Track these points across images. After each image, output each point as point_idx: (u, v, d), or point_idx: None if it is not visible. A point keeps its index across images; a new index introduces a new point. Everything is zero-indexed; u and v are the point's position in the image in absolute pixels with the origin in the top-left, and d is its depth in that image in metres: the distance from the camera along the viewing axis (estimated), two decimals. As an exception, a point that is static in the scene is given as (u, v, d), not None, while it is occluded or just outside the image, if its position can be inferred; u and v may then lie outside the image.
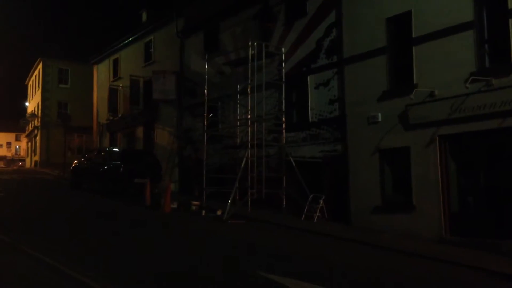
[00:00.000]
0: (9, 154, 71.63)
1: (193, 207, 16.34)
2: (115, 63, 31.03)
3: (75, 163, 23.34)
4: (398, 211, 12.97)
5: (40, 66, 45.64)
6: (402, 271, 9.37)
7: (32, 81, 51.27)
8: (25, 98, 57.16)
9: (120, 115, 29.53)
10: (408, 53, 12.97)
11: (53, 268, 7.58)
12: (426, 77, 12.46)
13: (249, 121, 16.78)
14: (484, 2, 11.66)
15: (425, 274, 9.26)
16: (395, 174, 13.49)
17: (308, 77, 16.21)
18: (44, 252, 8.52)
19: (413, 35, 12.87)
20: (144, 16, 30.96)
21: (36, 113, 46.87)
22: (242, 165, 15.90)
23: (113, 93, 29.94)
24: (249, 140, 16.39)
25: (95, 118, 33.85)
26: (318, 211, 14.60)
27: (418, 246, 11.22)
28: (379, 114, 13.57)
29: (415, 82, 12.69)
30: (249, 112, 16.79)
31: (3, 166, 54.70)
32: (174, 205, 16.40)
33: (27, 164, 53.27)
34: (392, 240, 11.99)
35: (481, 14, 11.65)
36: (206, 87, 18.43)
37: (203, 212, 15.69)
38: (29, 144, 52.82)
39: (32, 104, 51.33)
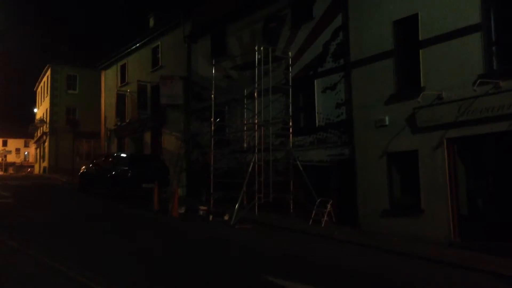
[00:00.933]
0: (18, 160, 72.13)
1: (201, 212, 16.33)
2: (123, 68, 31.20)
3: (83, 168, 23.45)
4: (407, 214, 12.89)
5: (48, 72, 45.99)
6: (410, 275, 9.30)
7: (41, 87, 51.65)
8: (34, 104, 57.64)
9: (128, 120, 29.67)
10: (415, 56, 12.92)
11: (60, 273, 7.61)
12: (433, 80, 12.40)
13: (256, 125, 16.78)
14: (491, 4, 11.58)
15: (434, 278, 9.19)
16: (403, 178, 13.41)
17: (315, 81, 16.19)
18: (51, 256, 8.57)
19: (420, 38, 12.82)
20: (151, 22, 31.09)
21: (44, 119, 47.20)
22: (250, 169, 15.90)
23: (120, 98, 30.09)
24: (256, 144, 16.39)
25: (103, 123, 34.02)
26: (325, 215, 14.54)
27: (426, 250, 11.13)
28: (387, 118, 13.52)
29: (422, 85, 12.63)
30: (256, 116, 16.80)
31: (12, 172, 55.09)
32: (182, 210, 16.42)
33: (36, 170, 53.57)
34: (401, 244, 11.92)
35: (488, 16, 11.57)
36: (213, 91, 18.47)
37: (211, 216, 15.69)
38: (38, 150, 53.15)
39: (40, 110, 51.71)
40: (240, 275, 8.29)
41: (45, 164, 46.21)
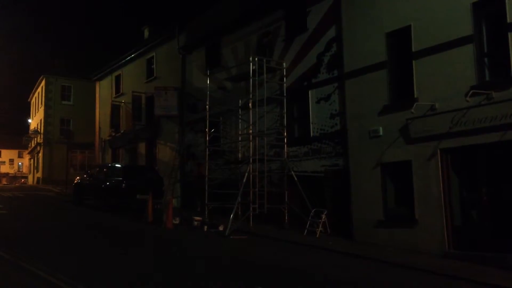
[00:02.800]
0: (11, 171, 71.75)
1: (195, 223, 16.28)
2: (118, 79, 31.23)
3: (77, 179, 23.37)
4: (401, 225, 12.91)
5: (43, 83, 45.93)
6: (404, 286, 9.29)
7: (35, 98, 51.56)
8: (28, 115, 57.51)
9: (122, 131, 29.64)
10: (408, 67, 13.02)
11: (53, 285, 7.56)
12: (426, 91, 12.49)
13: (251, 136, 16.81)
14: (483, 16, 11.73)
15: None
16: (397, 188, 13.44)
17: (309, 91, 16.26)
18: (44, 269, 8.51)
19: (413, 49, 12.93)
20: (146, 33, 31.21)
21: (38, 130, 47.06)
22: (244, 180, 15.89)
23: (115, 109, 30.09)
24: (251, 155, 16.40)
25: (97, 134, 33.96)
26: (320, 226, 14.54)
27: (421, 261, 11.14)
28: (380, 128, 13.58)
29: (415, 96, 12.71)
30: (251, 127, 16.83)
31: (5, 183, 54.80)
32: (176, 221, 16.36)
33: (30, 181, 53.30)
34: (395, 254, 11.93)
35: (480, 28, 11.71)
36: (207, 102, 18.51)
37: (205, 227, 15.64)
38: (32, 160, 52.92)
39: (34, 121, 51.57)
40: (234, 285, 8.26)
41: (39, 175, 45.99)
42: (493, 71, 11.53)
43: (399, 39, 13.41)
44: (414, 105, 12.32)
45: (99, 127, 33.67)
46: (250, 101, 16.78)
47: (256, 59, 16.53)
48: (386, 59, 13.69)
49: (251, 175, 16.02)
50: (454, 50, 11.96)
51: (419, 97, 12.56)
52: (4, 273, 8.52)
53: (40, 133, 46.24)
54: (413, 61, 12.91)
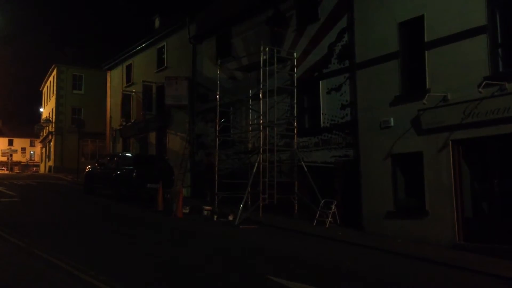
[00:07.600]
0: (23, 160, 72.37)
1: (205, 212, 16.37)
2: (128, 69, 31.31)
3: (89, 168, 23.52)
4: (411, 216, 12.87)
5: (54, 72, 46.21)
6: (415, 278, 9.28)
7: (47, 87, 51.90)
8: (39, 104, 57.96)
9: (133, 121, 29.76)
10: (421, 57, 12.91)
11: (66, 272, 7.64)
12: (438, 81, 12.39)
13: (261, 126, 16.79)
14: (497, 6, 11.56)
15: (439, 281, 9.17)
16: (408, 179, 13.39)
17: (320, 82, 16.19)
18: (57, 256, 8.60)
19: (426, 39, 12.81)
20: (157, 22, 31.22)
21: (50, 118, 47.43)
22: (254, 170, 15.90)
23: (126, 98, 30.21)
24: (261, 145, 16.40)
25: (108, 123, 34.13)
26: (330, 217, 14.55)
27: (431, 252, 11.11)
28: (392, 119, 13.51)
29: (427, 86, 12.61)
30: (261, 117, 16.80)
31: (17, 171, 55.32)
32: (186, 210, 16.45)
33: (41, 169, 53.80)
34: (405, 246, 11.91)
35: (494, 18, 11.55)
36: (218, 92, 18.51)
37: (215, 217, 15.71)
38: (43, 149, 53.39)
39: (46, 110, 51.96)
40: (243, 274, 8.30)
41: (51, 163, 46.41)
42: (507, 62, 11.38)
43: (412, 29, 13.29)
44: (426, 96, 12.21)
45: (110, 117, 33.83)
46: (261, 91, 16.73)
47: (267, 49, 16.46)
48: (398, 49, 13.57)
49: (261, 165, 16.02)
50: (467, 40, 11.84)
51: (431, 88, 12.46)
52: (19, 260, 8.62)
53: (51, 122, 46.61)
54: (426, 52, 12.79)
